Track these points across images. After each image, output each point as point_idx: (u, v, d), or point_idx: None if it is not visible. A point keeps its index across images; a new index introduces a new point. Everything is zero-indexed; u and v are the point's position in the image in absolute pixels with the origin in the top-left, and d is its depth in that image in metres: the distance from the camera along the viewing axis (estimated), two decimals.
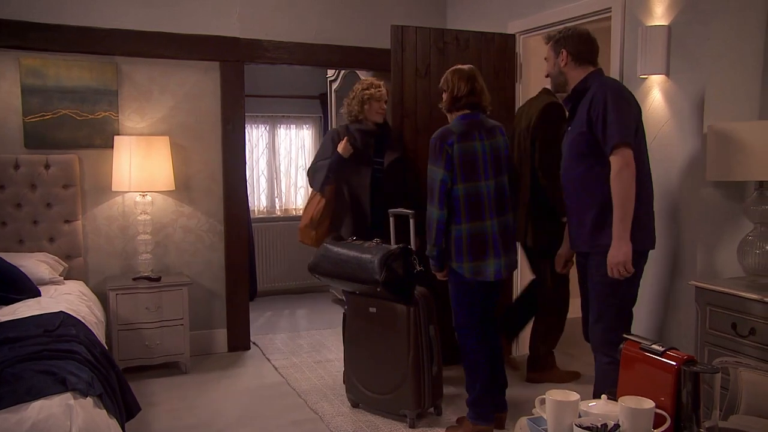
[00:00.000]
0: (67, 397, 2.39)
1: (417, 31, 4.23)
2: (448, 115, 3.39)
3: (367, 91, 3.94)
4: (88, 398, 2.45)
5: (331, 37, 5.01)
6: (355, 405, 3.78)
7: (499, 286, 3.46)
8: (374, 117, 3.98)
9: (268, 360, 4.66)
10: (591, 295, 3.00)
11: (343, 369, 4.34)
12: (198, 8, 4.64)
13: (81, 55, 4.40)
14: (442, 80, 3.40)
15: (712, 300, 3.05)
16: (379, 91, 3.95)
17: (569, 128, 3.01)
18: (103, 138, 4.46)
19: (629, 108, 2.85)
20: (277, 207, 7.00)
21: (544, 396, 1.85)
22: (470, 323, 3.35)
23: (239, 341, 4.89)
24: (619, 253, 2.78)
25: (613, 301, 2.91)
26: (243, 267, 4.92)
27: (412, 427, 3.49)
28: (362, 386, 3.69)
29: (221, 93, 4.75)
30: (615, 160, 2.78)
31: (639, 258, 2.91)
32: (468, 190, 3.24)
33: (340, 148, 3.86)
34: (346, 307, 3.85)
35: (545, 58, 3.12)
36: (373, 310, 3.59)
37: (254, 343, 5.01)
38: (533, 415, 2.00)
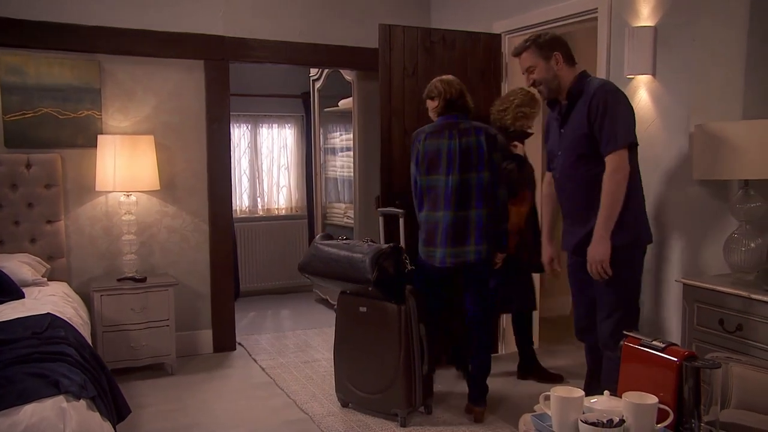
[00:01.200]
0: (60, 400, 2.36)
1: (404, 30, 4.23)
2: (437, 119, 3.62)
3: (521, 109, 3.98)
4: (82, 401, 2.42)
5: (315, 36, 4.99)
6: (344, 405, 3.77)
7: (453, 273, 3.64)
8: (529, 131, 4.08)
9: (255, 361, 4.63)
10: (599, 294, 2.99)
11: (330, 369, 4.34)
12: (182, 6, 4.59)
13: (62, 52, 4.33)
14: (430, 88, 3.61)
15: (700, 297, 3.10)
16: (533, 111, 4.01)
17: (562, 129, 3.03)
18: (85, 137, 4.39)
19: (629, 107, 2.90)
20: (260, 207, 6.96)
21: (547, 393, 1.86)
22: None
23: (225, 342, 4.85)
24: (599, 250, 2.84)
25: (626, 296, 2.95)
26: (228, 267, 4.88)
27: (403, 426, 3.49)
28: (352, 386, 3.68)
29: (206, 92, 4.71)
30: (611, 161, 2.82)
31: (639, 252, 2.99)
32: (429, 182, 3.56)
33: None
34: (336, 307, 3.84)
35: (527, 69, 3.06)
36: (363, 309, 3.58)
37: (240, 344, 4.98)
38: (535, 411, 2.02)
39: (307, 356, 4.73)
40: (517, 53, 3.09)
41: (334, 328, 5.37)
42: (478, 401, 3.59)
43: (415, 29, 4.30)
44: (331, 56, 5.09)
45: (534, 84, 3.08)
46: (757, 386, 2.28)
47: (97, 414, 2.46)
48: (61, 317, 3.22)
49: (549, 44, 3.01)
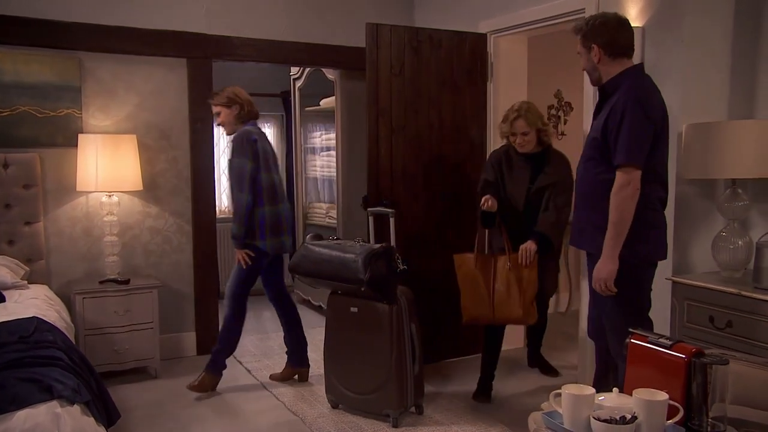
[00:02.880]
0: (53, 405, 2.32)
1: (392, 29, 4.22)
2: (235, 127, 4.02)
3: (500, 125, 3.86)
4: (76, 406, 2.38)
5: (299, 34, 4.96)
6: (334, 406, 3.74)
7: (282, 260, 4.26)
8: (518, 148, 3.82)
9: (240, 363, 4.58)
10: (604, 309, 2.89)
11: (318, 370, 4.31)
12: (165, 3, 4.51)
13: (41, 49, 4.23)
14: (227, 98, 3.99)
15: (690, 294, 3.14)
16: (508, 125, 3.78)
17: (593, 121, 2.90)
18: (65, 136, 4.29)
19: (646, 122, 2.69)
20: None
21: (558, 390, 1.86)
22: (246, 293, 4.14)
23: (209, 344, 4.73)
24: (604, 269, 2.72)
25: (624, 310, 2.79)
26: (212, 268, 4.82)
27: (395, 426, 3.48)
28: (343, 387, 3.65)
29: (189, 90, 4.64)
30: (618, 176, 2.69)
31: (649, 268, 2.86)
32: (268, 179, 3.93)
33: (485, 204, 3.68)
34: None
35: (578, 52, 2.91)
36: (354, 309, 3.56)
37: None
38: (542, 409, 2.02)
39: None
40: (574, 33, 2.91)
41: (317, 329, 5.37)
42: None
43: (402, 28, 4.29)
44: (315, 55, 5.05)
45: (584, 69, 2.94)
46: (752, 382, 2.33)
47: (92, 419, 2.42)
48: (47, 321, 3.14)
49: (590, 34, 2.82)
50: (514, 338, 4.90)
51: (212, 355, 4.06)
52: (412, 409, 3.62)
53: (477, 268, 3.76)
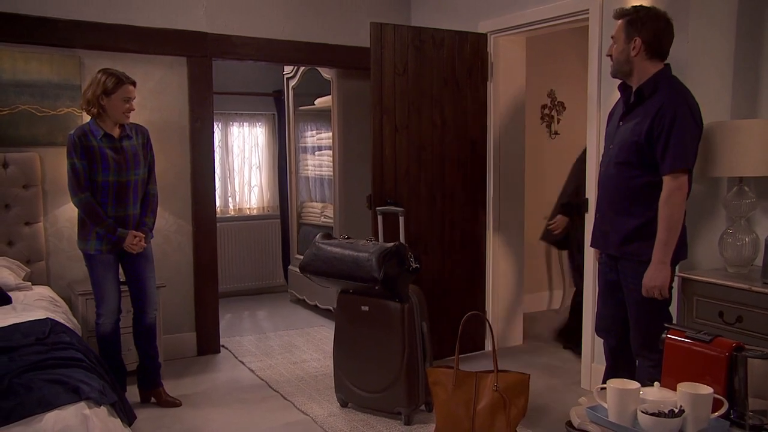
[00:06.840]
0: (81, 407, 2.29)
1: (395, 29, 4.23)
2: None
3: None
4: (102, 407, 2.34)
5: (298, 33, 4.94)
6: (344, 404, 3.74)
7: None
8: None
9: (242, 363, 4.55)
10: (628, 300, 2.94)
11: (322, 369, 4.32)
12: (164, 1, 4.47)
13: (40, 47, 4.16)
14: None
15: (699, 290, 3.20)
16: None
17: (621, 122, 2.90)
18: (65, 135, 4.17)
19: (696, 128, 2.73)
20: (231, 206, 6.83)
21: (602, 385, 1.89)
22: None
23: (209, 344, 4.75)
24: (658, 276, 2.73)
25: (653, 307, 2.83)
26: (212, 268, 4.78)
27: (407, 424, 3.49)
28: (353, 385, 3.65)
29: (189, 89, 4.60)
30: (668, 182, 2.69)
31: (673, 266, 2.90)
32: None
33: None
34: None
35: (612, 37, 2.85)
36: (365, 308, 3.56)
37: (223, 346, 4.88)
38: (579, 404, 2.05)
39: (295, 357, 4.66)
40: (615, 17, 2.85)
41: (315, 328, 5.41)
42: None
43: (405, 28, 4.30)
44: (314, 54, 5.03)
45: (609, 56, 2.88)
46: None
47: (118, 420, 2.40)
48: (61, 322, 3.09)
49: (635, 23, 2.74)
50: (514, 336, 4.95)
51: None
52: (423, 406, 3.64)
53: (455, 387, 3.15)
